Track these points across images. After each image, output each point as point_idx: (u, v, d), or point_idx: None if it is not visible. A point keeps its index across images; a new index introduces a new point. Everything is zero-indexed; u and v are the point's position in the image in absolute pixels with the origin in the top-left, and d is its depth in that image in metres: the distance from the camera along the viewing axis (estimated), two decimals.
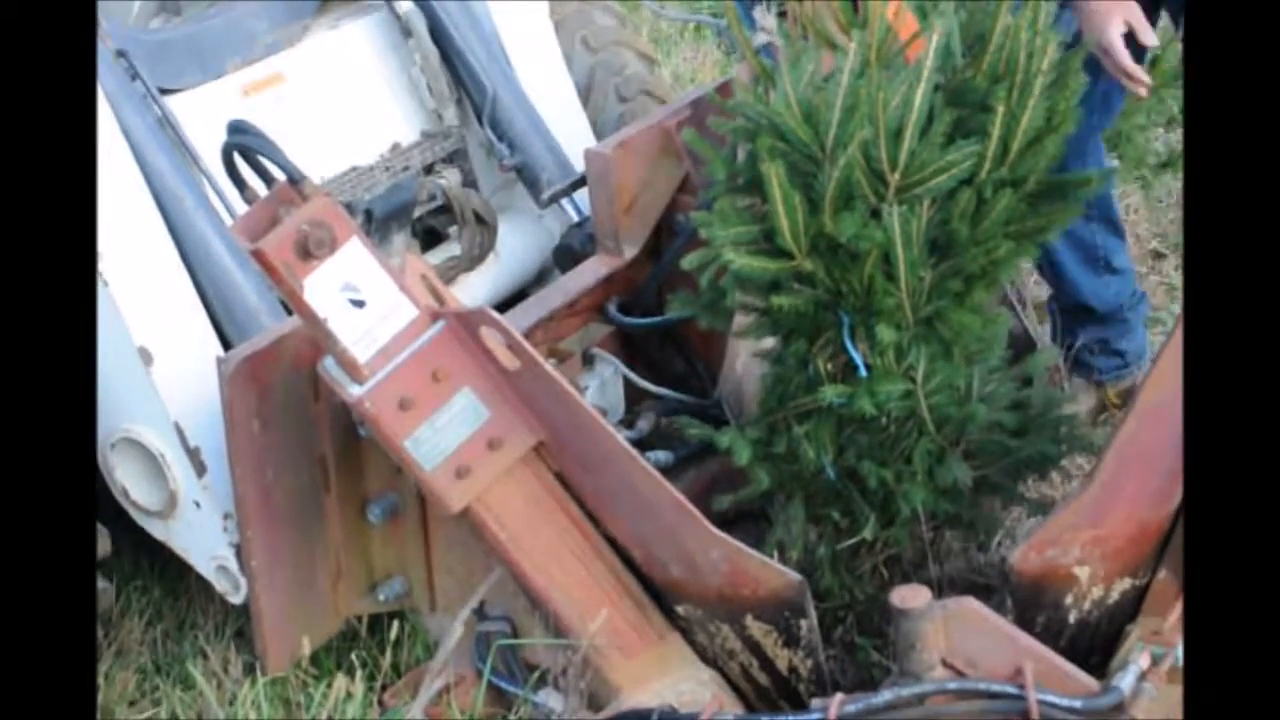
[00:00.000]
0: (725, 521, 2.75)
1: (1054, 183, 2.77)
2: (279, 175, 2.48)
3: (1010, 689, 2.40)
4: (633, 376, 3.41)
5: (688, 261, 2.82)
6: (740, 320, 2.92)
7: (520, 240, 3.84)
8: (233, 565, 3.01)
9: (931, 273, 2.67)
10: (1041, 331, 3.77)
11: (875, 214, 2.64)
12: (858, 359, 2.72)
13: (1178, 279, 4.50)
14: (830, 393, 2.72)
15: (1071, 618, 2.70)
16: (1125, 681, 2.44)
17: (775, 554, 2.80)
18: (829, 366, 2.77)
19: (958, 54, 2.79)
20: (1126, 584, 2.70)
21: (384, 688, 2.95)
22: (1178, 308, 4.19)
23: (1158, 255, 4.69)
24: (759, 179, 2.64)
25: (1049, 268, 3.81)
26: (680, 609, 2.72)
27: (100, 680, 3.15)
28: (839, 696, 2.44)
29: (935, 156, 2.62)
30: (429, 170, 3.74)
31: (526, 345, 2.53)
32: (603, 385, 3.41)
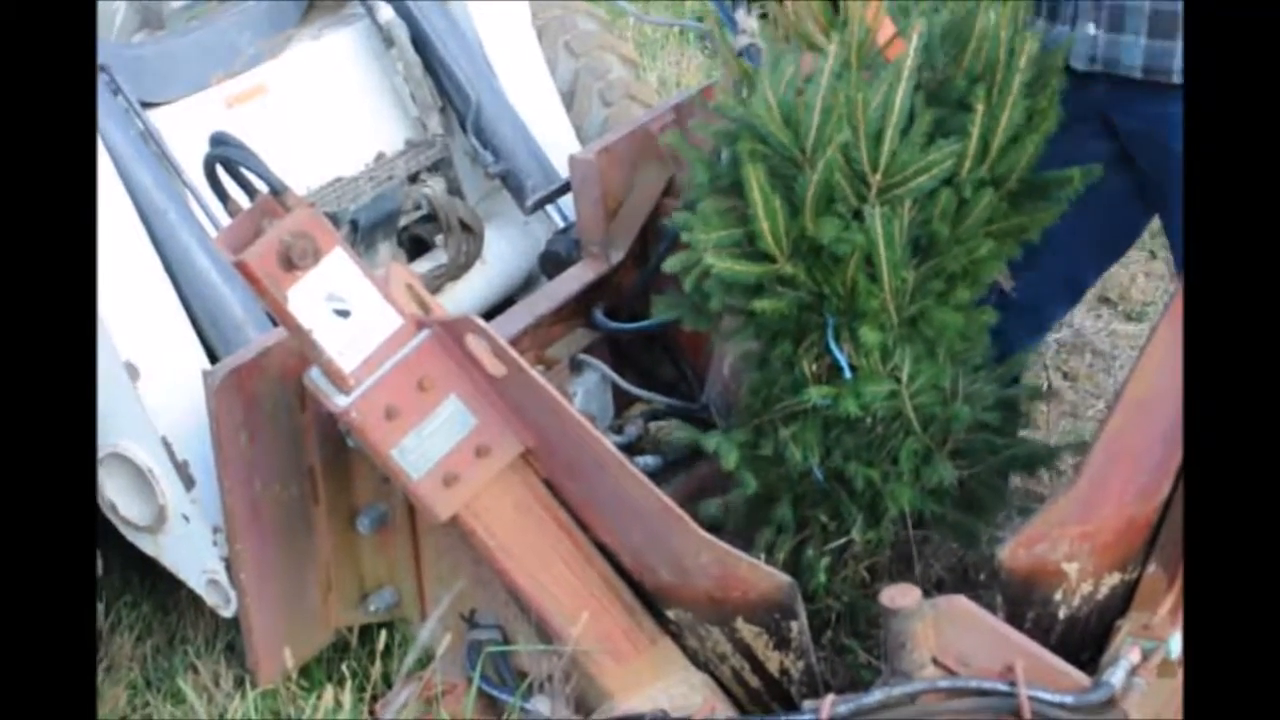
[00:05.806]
0: (714, 525, 2.75)
1: (1034, 181, 2.78)
2: (261, 187, 2.48)
3: (1001, 686, 2.40)
4: (620, 382, 3.40)
5: (671, 264, 2.82)
6: (726, 323, 2.92)
7: (506, 247, 3.84)
8: (223, 579, 3.00)
9: (914, 273, 2.68)
10: None
11: (857, 215, 2.64)
12: (842, 360, 2.73)
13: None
14: (815, 394, 2.72)
15: (1061, 614, 2.70)
16: (1116, 676, 2.44)
17: (764, 556, 2.80)
18: (814, 368, 2.77)
19: (937, 54, 2.80)
20: (1115, 579, 2.70)
21: (374, 698, 2.95)
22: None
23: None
24: (740, 182, 2.64)
25: None
26: (671, 613, 2.72)
27: None
28: (831, 697, 2.45)
29: (916, 157, 2.62)
30: (414, 179, 3.74)
31: (512, 352, 2.52)
32: (590, 391, 3.40)
